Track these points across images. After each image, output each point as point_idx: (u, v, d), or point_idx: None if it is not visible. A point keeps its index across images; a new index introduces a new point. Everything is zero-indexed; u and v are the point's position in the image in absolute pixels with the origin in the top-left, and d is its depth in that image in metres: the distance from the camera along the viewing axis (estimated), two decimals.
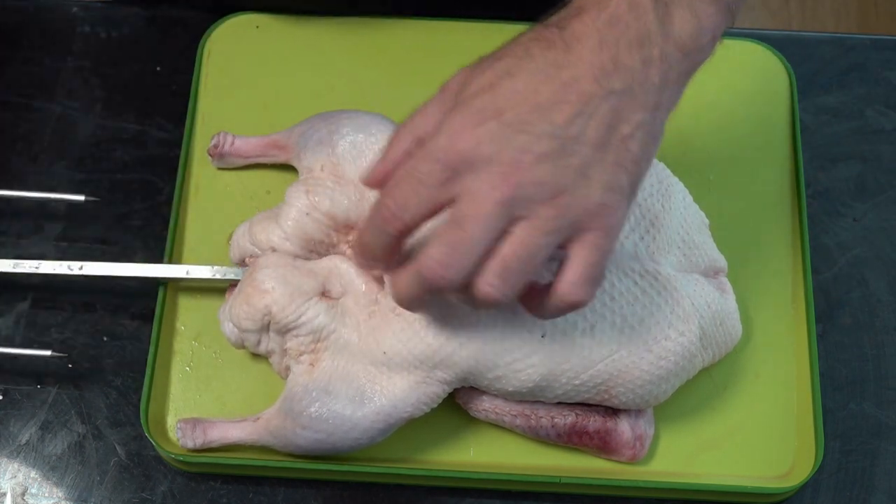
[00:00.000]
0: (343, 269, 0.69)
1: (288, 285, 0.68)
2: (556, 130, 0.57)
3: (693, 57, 0.59)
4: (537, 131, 0.57)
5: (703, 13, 0.58)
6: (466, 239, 0.57)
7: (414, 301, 0.62)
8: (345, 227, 0.70)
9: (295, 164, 0.75)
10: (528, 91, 0.57)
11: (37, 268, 0.73)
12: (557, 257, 0.59)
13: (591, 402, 0.69)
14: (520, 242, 0.57)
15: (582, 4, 0.59)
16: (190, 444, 0.70)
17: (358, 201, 0.70)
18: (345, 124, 0.72)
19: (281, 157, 0.77)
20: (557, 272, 0.59)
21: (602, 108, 0.57)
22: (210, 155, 0.78)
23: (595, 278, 0.59)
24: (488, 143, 0.57)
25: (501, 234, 0.57)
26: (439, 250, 0.58)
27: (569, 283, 0.59)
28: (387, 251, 0.62)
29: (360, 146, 0.71)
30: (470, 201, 0.57)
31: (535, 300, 0.61)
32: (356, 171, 0.71)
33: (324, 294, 0.68)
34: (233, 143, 0.77)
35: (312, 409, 0.67)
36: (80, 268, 0.73)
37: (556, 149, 0.57)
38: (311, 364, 0.68)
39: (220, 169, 0.79)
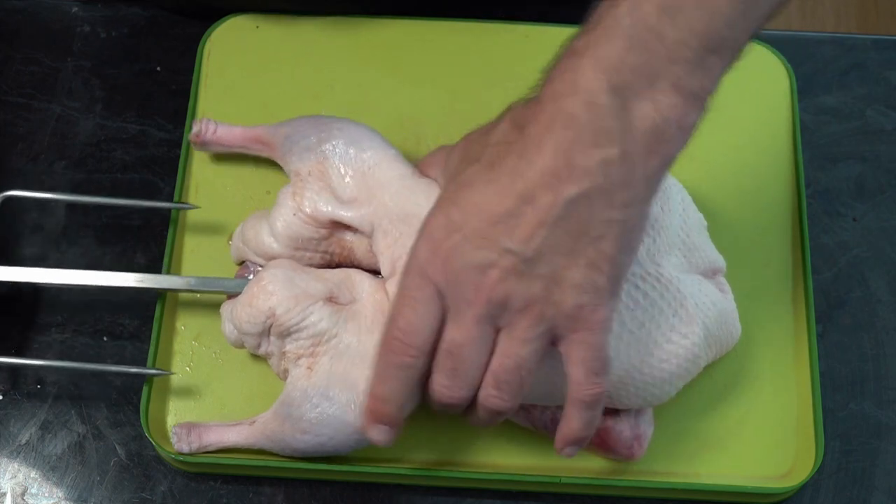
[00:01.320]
0: (356, 280, 0.69)
1: (294, 288, 0.67)
2: (518, 247, 0.57)
3: (659, 151, 0.57)
4: (499, 247, 0.57)
5: (665, 105, 0.56)
6: (461, 364, 0.60)
7: (446, 412, 0.64)
8: (330, 224, 0.70)
9: (280, 163, 0.75)
10: (485, 203, 0.58)
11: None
12: None
13: None
14: (505, 355, 0.59)
15: (543, 98, 0.58)
16: (185, 449, 0.69)
17: (338, 207, 0.70)
18: (336, 136, 0.71)
19: (264, 153, 0.76)
20: (567, 376, 0.61)
21: (563, 217, 0.56)
22: (192, 142, 0.77)
23: (597, 370, 0.60)
24: (456, 259, 0.58)
25: (491, 344, 0.60)
26: (442, 377, 0.61)
27: (576, 384, 0.60)
28: (410, 388, 0.62)
29: (351, 160, 0.71)
30: (453, 323, 0.59)
31: (564, 422, 0.63)
32: (343, 183, 0.71)
33: (330, 299, 0.68)
34: (215, 132, 0.76)
35: (313, 415, 0.67)
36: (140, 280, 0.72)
37: (520, 263, 0.57)
38: (309, 367, 0.67)
39: (219, 167, 0.79)
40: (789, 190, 0.80)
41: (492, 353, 0.60)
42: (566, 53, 0.58)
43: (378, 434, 0.63)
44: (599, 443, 0.70)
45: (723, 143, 0.81)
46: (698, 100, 0.57)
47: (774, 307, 0.76)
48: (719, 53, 0.57)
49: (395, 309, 0.61)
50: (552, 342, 0.60)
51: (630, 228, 0.58)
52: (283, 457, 0.70)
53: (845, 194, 0.82)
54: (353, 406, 0.66)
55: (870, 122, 0.85)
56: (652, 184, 0.58)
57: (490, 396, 0.61)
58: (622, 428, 0.70)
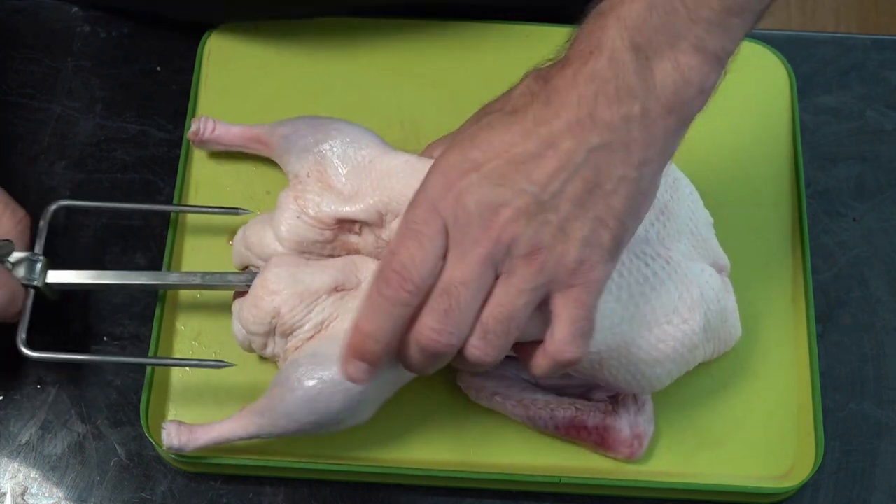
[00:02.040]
0: (361, 265, 0.69)
1: (298, 284, 0.67)
2: (534, 188, 0.57)
3: (679, 111, 0.58)
4: (516, 186, 0.57)
5: (686, 66, 0.57)
6: (455, 305, 0.58)
7: (424, 368, 0.61)
8: (335, 223, 0.70)
9: (278, 162, 0.75)
10: (505, 144, 0.58)
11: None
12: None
13: (582, 372, 0.68)
14: (498, 303, 0.58)
15: (569, 56, 0.59)
16: (176, 444, 0.68)
17: (342, 204, 0.70)
18: (333, 136, 0.72)
19: (263, 152, 0.77)
20: (547, 331, 0.59)
21: (582, 165, 0.57)
22: (190, 140, 0.78)
23: (583, 333, 0.59)
24: (469, 195, 0.57)
25: (488, 290, 0.58)
26: (433, 318, 0.58)
27: (557, 341, 0.59)
28: (398, 328, 0.59)
29: (350, 158, 0.71)
30: (455, 262, 0.58)
31: (531, 357, 0.61)
32: (342, 182, 0.70)
33: (337, 289, 0.68)
34: (213, 131, 0.77)
35: (300, 371, 0.65)
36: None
37: (534, 205, 0.57)
38: (301, 347, 0.67)
39: (219, 166, 0.79)
40: (789, 190, 0.80)
41: (485, 302, 0.59)
42: (592, 15, 0.59)
43: (355, 370, 0.60)
44: (598, 441, 0.70)
45: (723, 143, 0.81)
46: (719, 61, 0.59)
47: (774, 307, 0.76)
48: (741, 16, 0.58)
49: (397, 242, 0.59)
50: (543, 300, 0.59)
51: (641, 191, 0.59)
52: (284, 455, 0.70)
53: (845, 194, 0.82)
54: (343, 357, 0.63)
55: (870, 122, 0.85)
56: (668, 145, 0.59)
57: (472, 347, 0.58)
58: (622, 426, 0.70)
